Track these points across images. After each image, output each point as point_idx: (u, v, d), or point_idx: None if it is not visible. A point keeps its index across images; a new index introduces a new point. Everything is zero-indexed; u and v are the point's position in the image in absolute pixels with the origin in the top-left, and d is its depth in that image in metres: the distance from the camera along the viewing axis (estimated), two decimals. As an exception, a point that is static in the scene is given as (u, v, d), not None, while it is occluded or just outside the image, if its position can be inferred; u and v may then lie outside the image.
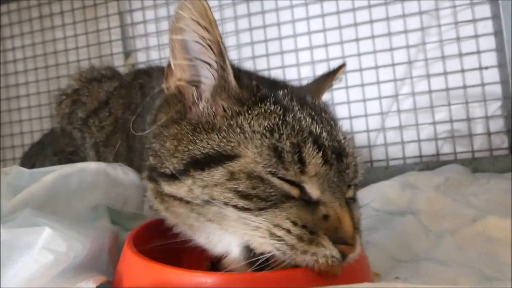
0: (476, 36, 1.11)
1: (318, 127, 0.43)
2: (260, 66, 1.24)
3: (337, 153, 0.42)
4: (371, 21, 1.18)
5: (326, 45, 1.21)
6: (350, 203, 0.44)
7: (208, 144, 0.42)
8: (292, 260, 0.38)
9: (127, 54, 1.40)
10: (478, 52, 1.10)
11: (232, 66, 0.46)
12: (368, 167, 1.17)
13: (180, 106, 0.46)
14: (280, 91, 0.47)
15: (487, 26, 1.11)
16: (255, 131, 0.41)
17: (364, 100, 1.18)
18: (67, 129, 0.79)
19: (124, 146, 0.67)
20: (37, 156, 1.00)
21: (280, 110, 0.43)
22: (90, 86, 0.80)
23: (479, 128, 1.13)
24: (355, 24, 1.19)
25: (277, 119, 0.41)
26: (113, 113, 0.73)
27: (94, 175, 0.57)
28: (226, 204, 0.39)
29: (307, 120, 0.43)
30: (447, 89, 1.12)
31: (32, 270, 0.38)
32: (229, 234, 0.41)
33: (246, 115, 0.43)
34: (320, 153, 0.40)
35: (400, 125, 1.16)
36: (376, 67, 1.17)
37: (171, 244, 0.51)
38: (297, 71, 1.22)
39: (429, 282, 0.47)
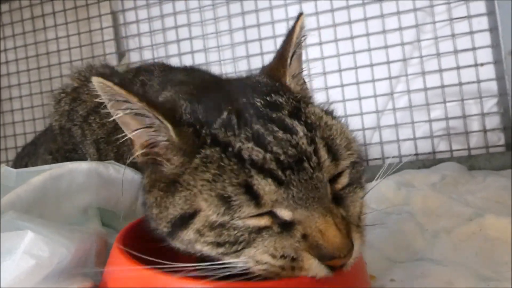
0: (471, 33, 1.10)
1: (261, 148, 0.39)
2: (255, 65, 1.23)
3: (296, 160, 0.38)
4: (366, 19, 1.17)
5: (320, 43, 1.20)
6: (342, 196, 0.41)
7: (176, 206, 0.42)
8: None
9: (121, 55, 1.39)
10: (474, 49, 1.10)
11: (171, 109, 0.44)
12: (364, 166, 1.16)
13: (154, 166, 0.46)
14: (222, 115, 0.43)
15: (482, 23, 1.11)
16: (200, 184, 0.40)
17: (360, 98, 1.18)
18: (66, 126, 0.78)
19: (126, 144, 0.66)
20: (29, 157, 0.99)
21: (218, 152, 0.40)
22: (90, 84, 0.79)
23: (475, 125, 1.12)
24: (350, 22, 1.18)
25: (216, 165, 0.39)
26: None
27: (85, 176, 0.56)
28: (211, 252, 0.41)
29: (249, 146, 0.39)
30: (443, 86, 1.12)
31: (13, 275, 0.36)
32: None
33: (190, 169, 0.41)
34: (270, 179, 0.37)
35: (396, 123, 1.16)
36: (371, 65, 1.17)
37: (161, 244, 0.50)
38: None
39: (425, 283, 0.46)
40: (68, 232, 0.44)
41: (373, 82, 1.17)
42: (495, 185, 0.83)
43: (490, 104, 1.11)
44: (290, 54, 0.48)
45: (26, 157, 1.02)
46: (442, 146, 1.14)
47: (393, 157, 1.15)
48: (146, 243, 0.43)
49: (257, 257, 0.38)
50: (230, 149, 0.40)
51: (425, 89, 1.13)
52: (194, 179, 0.40)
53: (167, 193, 0.43)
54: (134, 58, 1.36)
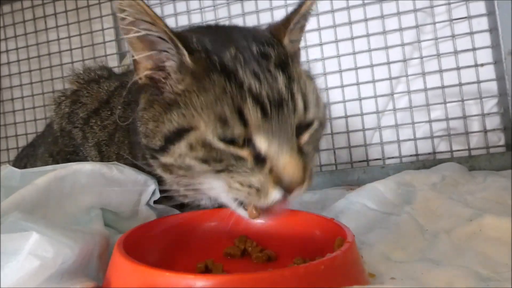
0: (471, 33, 1.10)
1: (258, 83, 0.47)
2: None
3: (278, 103, 0.46)
4: (366, 19, 1.17)
5: (321, 44, 1.21)
6: (304, 148, 0.49)
7: (173, 121, 0.48)
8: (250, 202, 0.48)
9: (122, 55, 1.39)
10: (474, 49, 1.10)
11: (185, 38, 0.50)
12: (364, 167, 1.17)
13: (154, 89, 0.52)
14: (229, 50, 0.49)
15: (482, 23, 1.11)
16: (203, 105, 0.47)
17: (360, 99, 1.18)
18: (66, 128, 0.79)
19: (126, 144, 0.67)
20: (28, 158, 1.00)
21: (224, 79, 0.47)
22: (89, 87, 0.81)
23: (475, 125, 1.12)
24: (350, 23, 1.18)
25: (220, 90, 0.46)
26: (114, 112, 0.74)
27: (89, 177, 0.57)
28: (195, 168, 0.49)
29: (248, 79, 0.47)
30: (443, 87, 1.12)
31: (18, 276, 0.37)
32: (205, 189, 0.52)
33: (198, 90, 0.48)
34: (259, 110, 0.45)
35: (396, 123, 1.16)
36: (372, 66, 1.17)
37: (164, 247, 0.51)
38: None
39: (424, 283, 0.47)
40: (72, 232, 0.44)
41: (374, 82, 1.17)
42: (495, 186, 0.83)
43: (491, 105, 1.12)
44: (294, 21, 0.55)
45: (25, 158, 1.02)
46: (442, 146, 1.14)
47: (393, 157, 1.15)
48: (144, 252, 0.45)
49: (231, 183, 0.47)
50: (234, 77, 0.46)
51: (425, 89, 1.14)
52: (199, 98, 0.47)
53: (165, 110, 0.49)
54: (135, 59, 1.37)
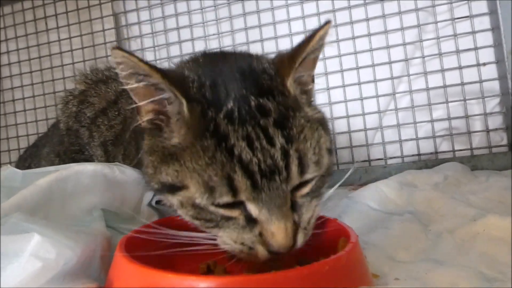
0: (473, 32, 1.10)
1: (250, 151, 0.44)
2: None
3: (270, 173, 0.44)
4: (367, 19, 1.17)
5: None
6: (299, 203, 0.47)
7: (168, 175, 0.48)
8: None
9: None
10: (476, 49, 1.10)
11: (185, 82, 0.48)
12: (366, 167, 1.17)
13: (156, 132, 0.51)
14: (226, 105, 0.46)
15: (484, 22, 1.11)
16: (193, 168, 0.45)
17: (361, 99, 1.18)
18: (73, 127, 0.79)
19: (133, 145, 0.67)
20: (32, 158, 1.00)
21: (215, 143, 0.44)
22: (97, 88, 0.81)
23: (477, 125, 1.12)
24: (351, 22, 1.18)
25: (210, 154, 0.44)
26: (122, 113, 0.74)
27: (91, 178, 0.57)
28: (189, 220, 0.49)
29: (239, 145, 0.44)
30: (445, 86, 1.12)
31: (20, 278, 0.37)
32: None
33: (191, 150, 0.46)
34: (249, 181, 0.43)
35: (398, 123, 1.16)
36: (373, 65, 1.17)
37: (165, 249, 0.50)
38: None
39: (428, 283, 0.46)
40: (73, 233, 0.44)
41: (375, 82, 1.17)
42: (498, 185, 0.82)
43: (493, 104, 1.11)
44: (300, 59, 0.49)
45: (29, 158, 1.03)
46: (444, 146, 1.14)
47: (395, 157, 1.15)
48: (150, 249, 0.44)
49: (223, 238, 0.47)
50: (225, 143, 0.44)
51: (427, 89, 1.13)
52: (191, 160, 0.45)
53: (163, 161, 0.48)
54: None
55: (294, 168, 0.45)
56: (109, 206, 0.59)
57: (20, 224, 0.42)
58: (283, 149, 0.44)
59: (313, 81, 0.55)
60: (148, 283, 0.37)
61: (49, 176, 0.54)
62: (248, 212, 0.45)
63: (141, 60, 0.45)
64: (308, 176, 0.47)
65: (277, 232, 0.44)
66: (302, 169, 0.46)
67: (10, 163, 1.43)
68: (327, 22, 0.49)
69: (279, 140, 0.45)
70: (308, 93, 0.53)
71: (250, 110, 0.46)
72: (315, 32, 0.49)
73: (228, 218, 0.46)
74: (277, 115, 0.46)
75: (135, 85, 0.47)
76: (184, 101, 0.46)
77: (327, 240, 0.51)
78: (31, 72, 1.45)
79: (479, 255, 0.52)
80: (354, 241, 0.44)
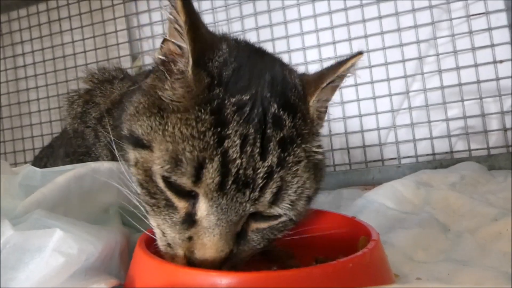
0: (489, 29, 1.08)
1: (238, 152, 0.40)
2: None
3: (243, 184, 0.40)
4: (380, 17, 1.16)
5: (334, 43, 1.20)
6: (247, 235, 0.43)
7: (142, 127, 0.44)
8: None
9: (134, 57, 1.41)
10: (492, 46, 1.07)
11: (207, 48, 0.45)
12: (379, 166, 1.15)
13: (163, 77, 0.47)
14: (244, 96, 0.43)
15: (501, 19, 1.08)
16: (172, 133, 0.41)
17: (374, 98, 1.16)
18: (79, 129, 0.79)
19: None
20: (48, 158, 1.01)
21: (210, 122, 0.40)
22: (103, 87, 0.81)
23: (494, 124, 1.10)
24: (364, 21, 1.17)
25: (201, 131, 0.40)
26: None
27: (107, 176, 0.57)
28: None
29: (232, 141, 0.40)
30: (460, 85, 1.10)
31: (43, 273, 0.37)
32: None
33: (180, 115, 0.42)
34: (218, 179, 0.39)
35: (412, 122, 1.14)
36: (386, 64, 1.15)
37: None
38: (305, 69, 1.21)
39: (452, 283, 0.45)
40: (94, 229, 0.44)
41: (388, 81, 1.15)
42: (517, 185, 0.81)
43: (510, 102, 1.09)
44: (328, 81, 0.48)
45: (45, 158, 1.04)
46: (460, 145, 1.12)
47: (409, 156, 1.13)
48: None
49: (155, 225, 0.44)
50: (220, 128, 0.40)
51: (442, 87, 1.11)
52: (175, 124, 0.41)
53: (148, 110, 0.45)
54: (148, 60, 1.38)
55: (268, 193, 0.41)
56: (124, 204, 0.59)
57: (42, 220, 0.43)
58: (270, 169, 0.41)
59: (326, 110, 0.53)
60: (170, 280, 0.37)
61: (66, 174, 0.54)
62: (195, 210, 0.41)
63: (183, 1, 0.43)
64: (277, 210, 0.42)
65: (209, 246, 0.39)
66: (275, 200, 0.42)
67: (25, 162, 1.45)
68: (359, 53, 0.48)
69: (272, 159, 0.41)
70: (321, 119, 0.52)
71: (264, 114, 0.43)
72: (347, 59, 0.48)
73: (169, 206, 0.42)
74: (286, 134, 0.43)
75: (170, 23, 0.45)
76: (191, 61, 0.43)
77: (345, 238, 0.50)
78: (45, 73, 1.48)
79: (503, 256, 0.51)
80: (376, 239, 0.43)
